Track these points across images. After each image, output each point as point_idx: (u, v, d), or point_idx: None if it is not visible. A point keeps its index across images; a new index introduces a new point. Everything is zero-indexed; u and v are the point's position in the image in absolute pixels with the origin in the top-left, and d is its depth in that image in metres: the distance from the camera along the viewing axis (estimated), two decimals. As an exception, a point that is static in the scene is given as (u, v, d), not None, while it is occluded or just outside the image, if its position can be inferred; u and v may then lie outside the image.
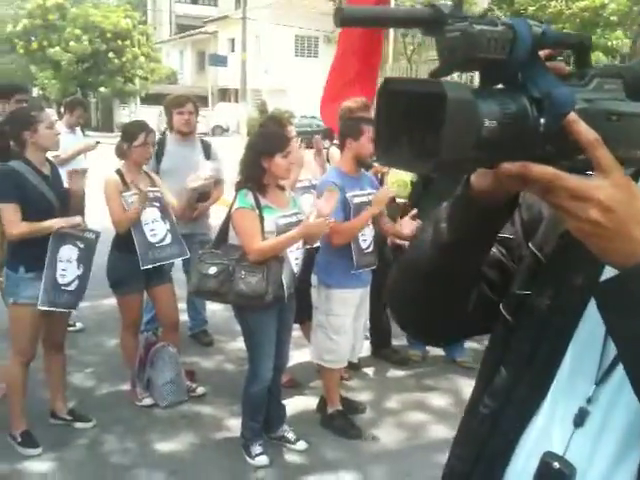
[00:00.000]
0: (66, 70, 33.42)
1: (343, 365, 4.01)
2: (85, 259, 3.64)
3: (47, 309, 3.51)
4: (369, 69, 5.70)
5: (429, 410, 4.32)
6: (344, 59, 5.66)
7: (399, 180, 8.30)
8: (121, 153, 4.04)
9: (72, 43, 32.58)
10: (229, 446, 3.76)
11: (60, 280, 3.52)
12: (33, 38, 33.39)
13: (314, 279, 3.97)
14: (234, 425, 3.90)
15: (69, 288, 3.57)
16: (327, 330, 3.86)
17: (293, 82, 32.67)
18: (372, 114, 4.41)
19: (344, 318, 3.86)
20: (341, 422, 3.96)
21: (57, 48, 32.87)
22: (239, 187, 3.44)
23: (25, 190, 3.43)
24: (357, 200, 3.79)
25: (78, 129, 6.14)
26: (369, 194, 3.87)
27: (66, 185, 3.75)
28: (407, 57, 24.09)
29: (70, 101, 6.13)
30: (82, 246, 3.59)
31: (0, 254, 4.18)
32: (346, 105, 4.56)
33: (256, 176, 3.40)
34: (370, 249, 3.90)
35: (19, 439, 3.61)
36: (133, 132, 4.00)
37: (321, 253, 3.95)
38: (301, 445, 3.76)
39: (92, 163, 5.91)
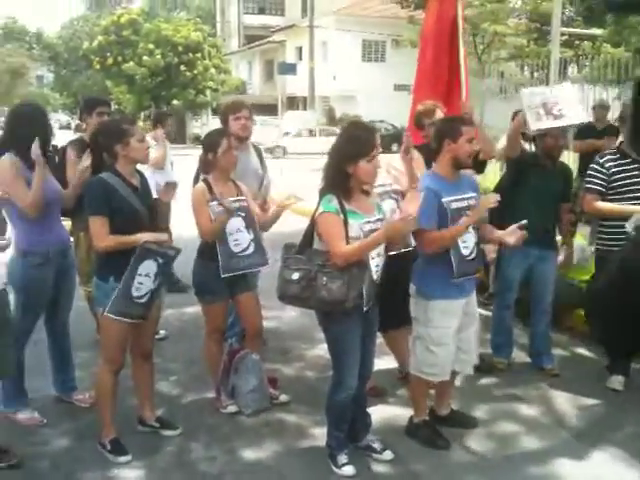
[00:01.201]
0: (140, 84, 34.47)
1: (444, 378, 3.82)
2: (162, 274, 3.67)
3: (115, 318, 3.53)
4: (445, 70, 5.64)
5: (518, 420, 4.16)
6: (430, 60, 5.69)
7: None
8: (207, 165, 4.06)
9: (145, 57, 33.58)
10: (314, 455, 3.72)
11: (134, 293, 3.53)
12: (108, 54, 34.56)
13: (412, 288, 3.83)
14: (319, 434, 3.86)
15: (141, 301, 3.58)
16: (426, 342, 3.73)
17: (361, 87, 32.65)
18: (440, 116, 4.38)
19: (445, 330, 3.70)
20: (427, 432, 3.86)
21: (131, 63, 33.94)
22: (323, 192, 3.40)
23: (115, 201, 3.49)
24: (455, 205, 3.63)
25: (167, 142, 6.29)
26: (470, 198, 3.72)
27: (155, 196, 3.80)
28: (477, 56, 23.71)
29: (158, 114, 6.22)
30: (161, 262, 3.61)
31: (88, 265, 4.29)
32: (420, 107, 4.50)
33: (339, 181, 3.35)
34: (472, 256, 3.72)
35: (108, 447, 3.68)
36: (215, 141, 4.02)
37: (419, 263, 3.83)
38: (387, 455, 3.68)
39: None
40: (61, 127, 39.87)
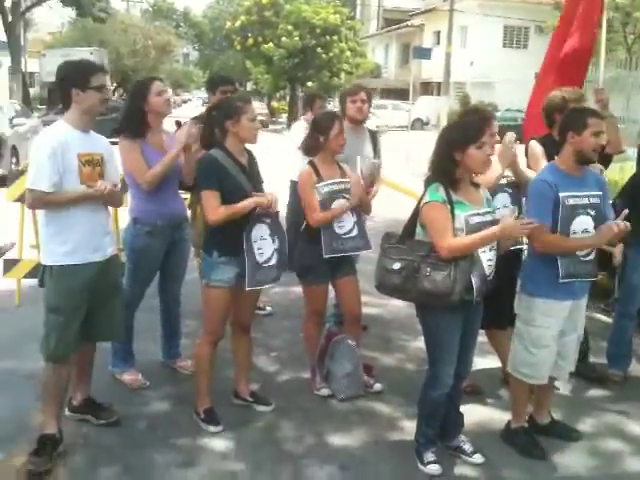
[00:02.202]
0: (277, 65, 35.13)
1: (542, 382, 3.62)
2: (277, 231, 3.73)
3: (253, 289, 3.66)
4: (577, 60, 5.30)
5: (627, 438, 3.86)
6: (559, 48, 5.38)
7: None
8: (314, 147, 4.04)
9: (284, 39, 34.14)
10: (401, 448, 3.64)
11: (259, 259, 3.62)
12: (249, 34, 35.48)
13: (518, 283, 3.64)
14: (409, 427, 3.77)
15: (270, 263, 3.68)
16: (525, 341, 3.55)
17: (499, 74, 31.51)
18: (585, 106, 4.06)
19: (545, 330, 3.49)
20: (524, 440, 3.67)
21: (270, 44, 34.64)
22: (429, 180, 3.28)
23: (223, 178, 3.56)
24: (572, 202, 3.40)
25: None
26: (594, 196, 3.45)
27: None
28: (627, 47, 22.17)
29: (308, 96, 6.11)
30: (269, 220, 3.67)
31: (199, 238, 4.42)
32: (558, 95, 4.19)
33: (447, 169, 3.22)
34: (589, 257, 3.48)
35: (202, 415, 3.79)
36: (327, 123, 3.99)
37: (528, 257, 3.63)
38: (477, 459, 3.53)
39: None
40: (204, 104, 41.57)
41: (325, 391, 4.20)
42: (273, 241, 3.70)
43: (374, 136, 4.97)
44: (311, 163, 4.03)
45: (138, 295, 4.21)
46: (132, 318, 4.24)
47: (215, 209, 3.55)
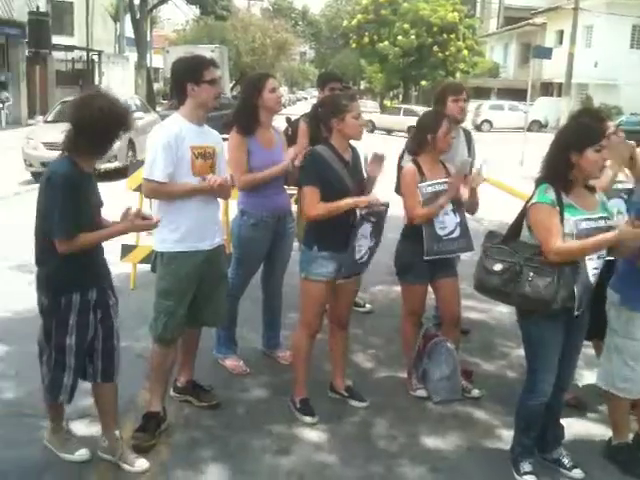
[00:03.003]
0: (392, 64, 35.07)
1: (638, 396, 3.47)
2: (377, 232, 3.76)
3: (341, 281, 3.71)
4: None
5: None
6: None
7: None
8: (420, 145, 4.01)
9: (400, 37, 34.04)
10: (496, 456, 3.56)
11: (356, 256, 3.67)
12: (365, 33, 35.59)
13: (610, 294, 3.47)
14: (506, 436, 3.68)
15: (361, 261, 3.74)
16: (624, 355, 3.39)
17: (626, 76, 29.95)
18: None
19: None
20: (627, 458, 3.49)
21: (386, 42, 34.61)
22: (540, 181, 3.18)
23: (326, 174, 3.61)
24: None
25: None
26: None
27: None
28: None
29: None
30: (374, 220, 3.69)
31: (300, 232, 4.50)
32: None
33: (561, 171, 3.11)
34: None
35: (298, 405, 3.87)
36: (435, 122, 3.95)
37: (629, 267, 3.43)
38: (577, 474, 3.39)
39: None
40: (316, 101, 42.06)
41: (421, 392, 4.18)
42: (371, 240, 3.73)
43: (468, 136, 4.88)
44: (415, 162, 4.00)
45: (242, 284, 4.36)
46: (236, 306, 4.38)
47: (314, 205, 3.62)
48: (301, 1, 70.17)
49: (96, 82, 30.32)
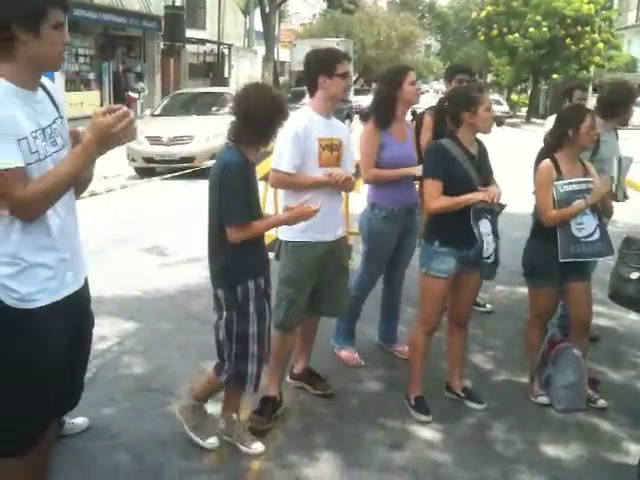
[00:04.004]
0: (522, 57, 33.85)
1: None
2: (495, 229, 3.63)
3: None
4: None
5: None
6: None
7: None
8: (560, 141, 3.81)
9: (531, 29, 32.77)
10: (622, 471, 3.35)
11: (484, 253, 3.57)
12: (494, 25, 34.56)
13: None
14: (633, 450, 3.48)
15: (489, 260, 3.62)
16: None
17: None
18: None
19: None
20: None
21: (516, 35, 33.45)
22: None
23: (450, 167, 3.53)
24: None
25: None
26: None
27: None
28: None
29: (569, 87, 5.84)
30: (490, 218, 3.58)
31: (420, 226, 4.45)
32: None
33: None
34: None
35: (412, 402, 3.82)
36: (578, 117, 3.73)
37: None
38: None
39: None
40: (438, 94, 41.49)
41: (543, 399, 4.00)
42: (493, 239, 3.61)
43: (616, 133, 4.60)
44: (552, 158, 3.82)
45: (373, 277, 4.35)
46: (363, 299, 4.39)
47: (435, 198, 3.55)
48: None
49: (225, 75, 31.41)
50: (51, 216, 2.19)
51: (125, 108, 2.07)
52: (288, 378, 4.02)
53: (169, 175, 10.88)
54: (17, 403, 2.26)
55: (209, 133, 12.08)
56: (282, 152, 3.49)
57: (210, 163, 11.49)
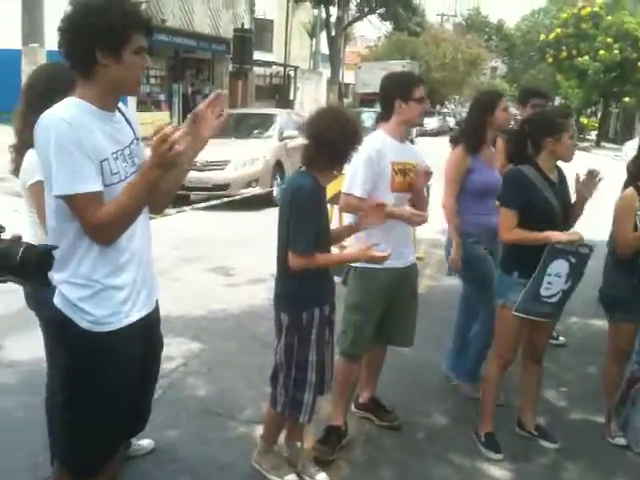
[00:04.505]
0: (591, 79, 33.13)
1: None
2: (575, 275, 3.43)
3: (521, 316, 3.44)
4: None
5: None
6: None
7: None
8: None
9: (601, 52, 32.07)
10: None
11: (543, 292, 3.39)
12: (563, 47, 33.96)
13: None
14: None
15: (551, 300, 3.44)
16: None
17: None
18: None
19: None
20: None
21: (586, 57, 32.78)
22: None
23: (530, 194, 3.40)
24: None
25: None
26: None
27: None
28: None
29: None
30: (574, 261, 3.39)
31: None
32: None
33: None
34: None
35: (482, 439, 3.67)
36: None
37: None
38: None
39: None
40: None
41: (620, 440, 3.79)
42: (566, 281, 3.42)
43: None
44: (636, 186, 3.64)
45: (491, 305, 4.01)
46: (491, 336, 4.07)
47: (509, 229, 3.42)
48: (496, 15, 68.67)
49: (291, 97, 31.79)
50: (125, 238, 2.19)
51: (170, 128, 2.02)
52: (353, 407, 3.93)
53: (201, 205, 10.26)
54: (91, 425, 2.26)
55: (246, 158, 11.34)
56: (354, 176, 3.43)
57: (247, 192, 10.83)
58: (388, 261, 3.37)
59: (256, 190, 11.04)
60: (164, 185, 2.21)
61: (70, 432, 2.33)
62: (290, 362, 3.08)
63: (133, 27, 2.08)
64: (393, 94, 3.48)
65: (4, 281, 1.78)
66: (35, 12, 9.56)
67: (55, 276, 2.18)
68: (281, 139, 12.09)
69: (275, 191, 11.38)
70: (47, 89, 2.61)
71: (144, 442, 3.45)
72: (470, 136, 4.06)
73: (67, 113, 2.04)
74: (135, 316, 2.26)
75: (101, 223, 2.07)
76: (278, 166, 11.71)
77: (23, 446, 3.41)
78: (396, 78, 3.61)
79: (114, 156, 2.13)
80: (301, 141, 11.60)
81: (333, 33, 29.74)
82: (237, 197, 10.24)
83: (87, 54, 2.06)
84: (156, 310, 2.45)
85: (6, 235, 1.88)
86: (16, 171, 2.80)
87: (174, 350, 4.72)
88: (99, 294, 2.17)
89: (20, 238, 1.77)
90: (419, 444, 3.74)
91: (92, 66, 2.08)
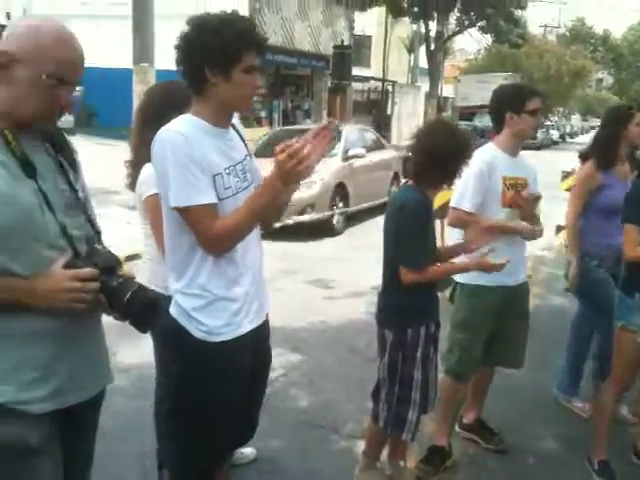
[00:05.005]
0: None
1: None
2: None
3: None
4: None
5: None
6: None
7: None
8: None
9: None
10: None
11: None
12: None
13: None
14: None
15: None
16: None
17: None
18: None
19: None
20: None
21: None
22: None
23: None
24: None
25: None
26: None
27: None
28: None
29: None
30: None
31: None
32: None
33: None
34: None
35: (596, 467, 3.47)
36: None
37: None
38: None
39: None
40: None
41: None
42: None
43: None
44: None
45: (602, 324, 3.86)
46: (589, 342, 4.14)
47: (632, 246, 3.22)
48: (601, 26, 66.18)
49: (388, 112, 31.77)
50: (239, 250, 2.21)
51: (299, 144, 2.02)
52: (457, 428, 3.82)
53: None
54: (197, 434, 2.29)
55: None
56: (464, 189, 3.35)
57: (301, 219, 9.47)
58: (498, 278, 3.27)
59: (312, 216, 9.51)
60: (278, 203, 2.23)
61: (177, 440, 2.38)
62: (394, 379, 3.03)
63: (245, 47, 2.08)
64: (504, 106, 3.38)
65: (109, 315, 1.83)
66: (145, 33, 9.99)
67: (171, 286, 2.25)
68: (345, 159, 10.54)
69: (335, 218, 10.06)
70: (161, 107, 2.68)
71: (247, 450, 3.49)
72: (603, 151, 3.89)
73: (182, 128, 2.09)
74: (247, 327, 2.28)
75: (216, 235, 2.09)
76: (341, 188, 10.25)
77: (132, 449, 3.53)
78: (508, 89, 3.51)
79: (227, 171, 2.16)
80: (368, 160, 10.73)
81: (432, 47, 29.51)
82: (289, 223, 8.79)
83: (198, 72, 2.10)
84: (266, 322, 2.47)
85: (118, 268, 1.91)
86: (132, 185, 2.91)
87: (274, 360, 4.70)
88: (213, 305, 2.20)
89: (134, 278, 1.82)
90: (527, 469, 3.58)
91: (203, 84, 2.12)
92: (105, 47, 18.42)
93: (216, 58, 2.07)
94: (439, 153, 2.84)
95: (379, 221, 3.37)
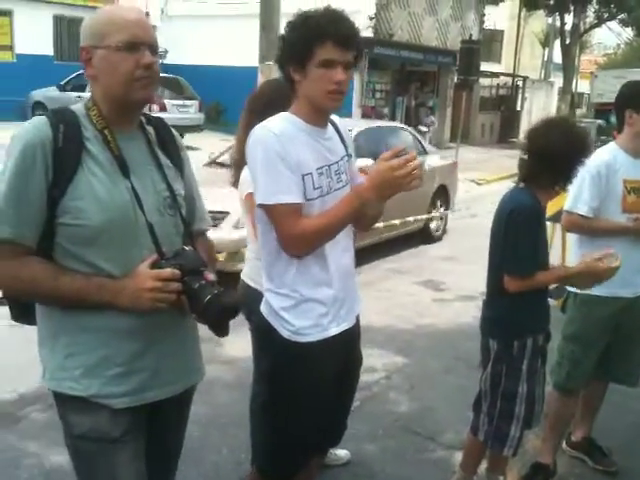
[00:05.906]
0: None
1: None
2: None
3: None
4: None
5: None
6: None
7: None
8: None
9: None
10: None
11: None
12: None
13: None
14: None
15: None
16: None
17: None
18: None
19: None
20: None
21: None
22: None
23: None
24: None
25: None
26: None
27: None
28: None
29: None
30: None
31: None
32: None
33: None
34: None
35: None
36: None
37: None
38: None
39: None
40: None
41: None
42: None
43: None
44: None
45: None
46: None
47: None
48: None
49: (517, 108, 30.70)
50: (329, 253, 2.16)
51: (412, 153, 1.93)
52: (564, 445, 3.58)
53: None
54: (283, 431, 2.29)
55: None
56: (579, 192, 3.11)
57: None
58: (613, 289, 3.04)
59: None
60: (370, 211, 2.17)
61: (265, 435, 2.40)
62: (496, 392, 2.87)
63: (316, 40, 2.01)
64: (625, 103, 3.12)
65: (190, 316, 1.83)
66: (271, 33, 10.20)
67: (264, 284, 2.25)
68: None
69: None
70: (268, 101, 2.69)
71: (341, 452, 3.45)
72: None
73: (276, 126, 2.07)
74: (334, 330, 2.23)
75: (296, 237, 2.05)
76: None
77: (229, 441, 3.59)
78: (631, 85, 3.22)
79: (319, 171, 2.11)
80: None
81: (568, 41, 28.10)
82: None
83: (285, 71, 2.09)
84: (356, 326, 2.41)
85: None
86: (236, 184, 2.94)
87: (376, 362, 4.70)
88: (300, 305, 2.17)
89: (214, 283, 1.81)
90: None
91: (292, 82, 2.10)
92: (233, 46, 18.98)
93: (292, 55, 2.05)
94: (553, 153, 2.64)
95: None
